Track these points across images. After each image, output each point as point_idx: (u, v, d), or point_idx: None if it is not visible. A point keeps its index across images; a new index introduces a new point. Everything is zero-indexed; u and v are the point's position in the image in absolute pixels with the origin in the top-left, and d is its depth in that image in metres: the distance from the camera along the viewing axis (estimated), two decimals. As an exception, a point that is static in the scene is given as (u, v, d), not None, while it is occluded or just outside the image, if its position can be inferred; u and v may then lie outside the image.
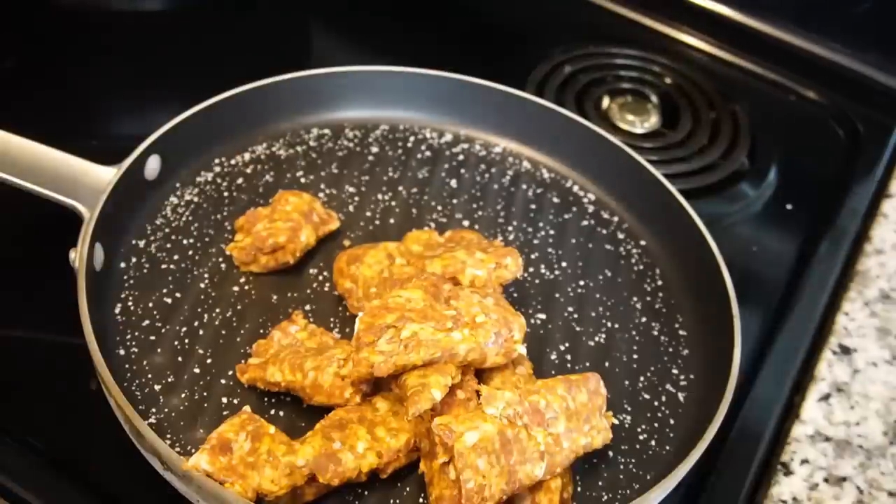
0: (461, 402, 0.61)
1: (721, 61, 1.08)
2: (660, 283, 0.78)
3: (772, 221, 0.89)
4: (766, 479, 0.68)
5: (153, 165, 0.77)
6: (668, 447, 0.67)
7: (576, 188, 0.86)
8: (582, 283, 0.78)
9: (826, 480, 0.68)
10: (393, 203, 0.82)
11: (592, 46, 1.06)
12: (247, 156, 0.84)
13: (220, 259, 0.75)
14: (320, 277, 0.75)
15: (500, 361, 0.63)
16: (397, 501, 0.61)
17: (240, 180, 0.82)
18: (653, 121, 0.97)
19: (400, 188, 0.83)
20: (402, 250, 0.72)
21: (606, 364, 0.71)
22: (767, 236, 0.88)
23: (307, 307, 0.72)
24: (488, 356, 0.62)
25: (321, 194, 0.82)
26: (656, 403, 0.69)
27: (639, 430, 0.67)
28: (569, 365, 0.71)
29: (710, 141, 0.95)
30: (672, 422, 0.68)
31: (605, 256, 0.80)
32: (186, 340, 0.68)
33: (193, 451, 0.59)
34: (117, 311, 0.69)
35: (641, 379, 0.71)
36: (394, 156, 0.86)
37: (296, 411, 0.65)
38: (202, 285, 0.72)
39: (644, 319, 0.75)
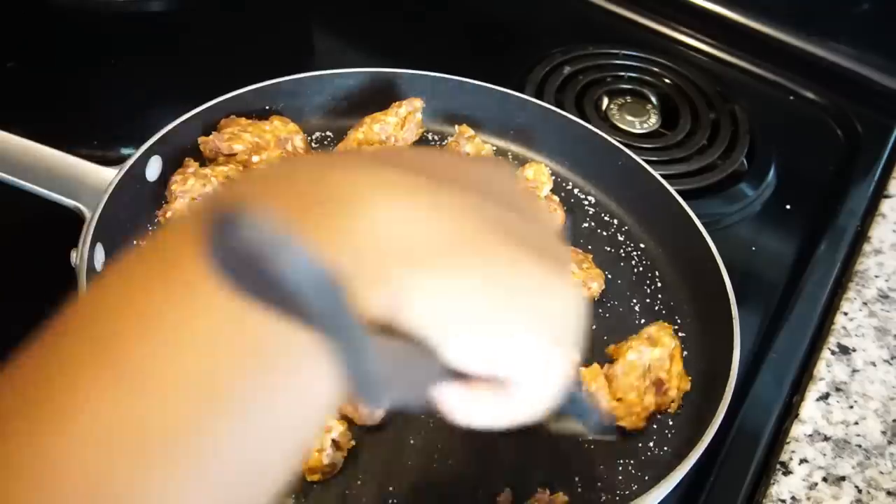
0: None
1: (721, 61, 1.08)
2: (660, 284, 0.78)
3: (771, 221, 0.89)
4: (765, 478, 0.68)
5: (154, 166, 0.77)
6: (667, 447, 0.67)
7: (576, 190, 0.86)
8: (582, 283, 0.78)
9: (825, 480, 0.68)
10: (393, 203, 0.82)
11: (592, 46, 1.05)
12: (247, 156, 0.84)
13: (221, 259, 0.75)
14: (321, 278, 0.75)
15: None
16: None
17: (240, 181, 0.81)
18: (652, 121, 0.97)
19: (400, 188, 0.83)
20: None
21: (606, 364, 0.72)
22: (767, 236, 0.88)
23: (307, 307, 0.72)
24: None
25: (321, 195, 0.81)
26: (656, 403, 0.70)
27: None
28: (568, 365, 0.71)
29: (710, 141, 0.95)
30: (671, 422, 0.68)
31: (606, 258, 0.80)
32: (187, 341, 0.68)
33: (194, 451, 0.59)
34: (118, 311, 0.69)
35: (641, 379, 0.71)
36: (394, 156, 0.86)
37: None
38: (203, 285, 0.72)
39: (644, 320, 0.75)
